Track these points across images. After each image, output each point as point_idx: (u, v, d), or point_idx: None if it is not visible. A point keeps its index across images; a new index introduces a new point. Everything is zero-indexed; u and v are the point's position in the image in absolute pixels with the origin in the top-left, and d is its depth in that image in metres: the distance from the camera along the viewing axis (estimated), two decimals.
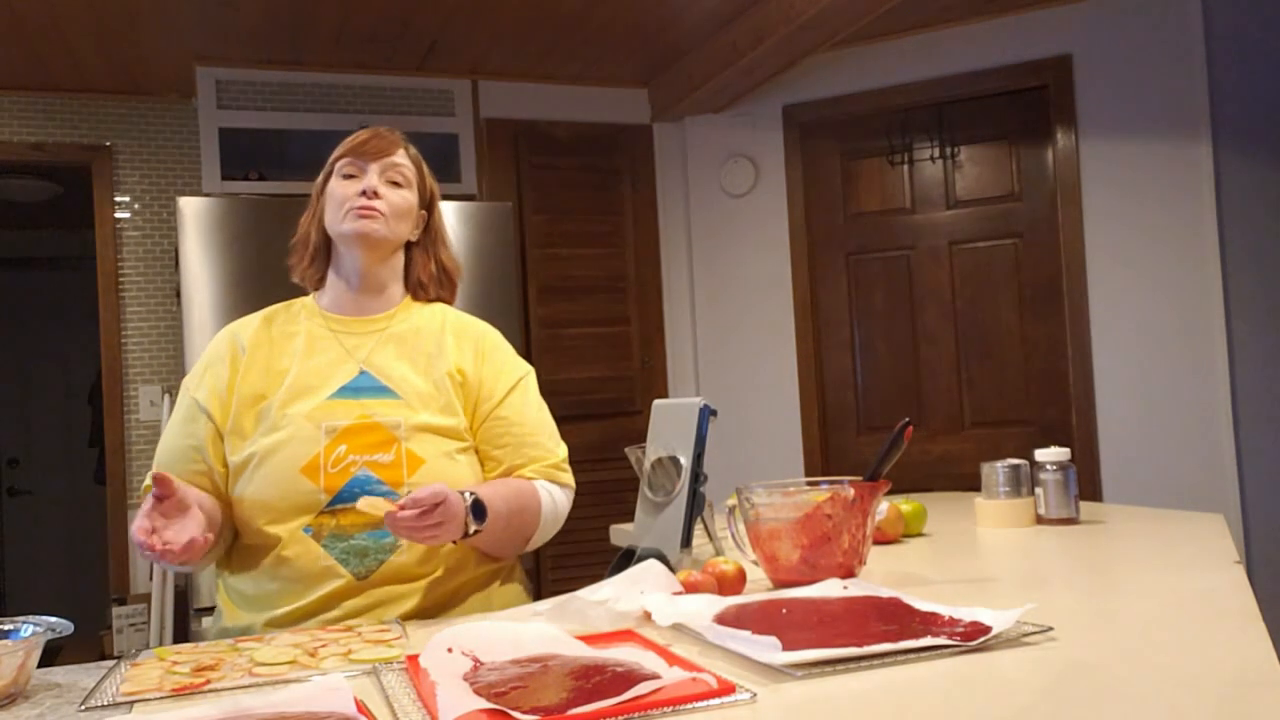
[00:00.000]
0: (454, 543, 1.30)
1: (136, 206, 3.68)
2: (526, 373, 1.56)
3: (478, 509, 1.28)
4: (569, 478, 1.53)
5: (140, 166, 3.69)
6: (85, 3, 2.94)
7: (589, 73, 3.81)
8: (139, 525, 1.17)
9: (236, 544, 1.41)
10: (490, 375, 1.49)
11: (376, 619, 1.32)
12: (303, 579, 1.33)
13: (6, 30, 3.09)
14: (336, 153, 1.49)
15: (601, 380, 3.81)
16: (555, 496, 1.49)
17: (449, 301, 1.60)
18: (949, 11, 3.44)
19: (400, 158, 1.49)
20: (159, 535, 1.17)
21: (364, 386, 1.41)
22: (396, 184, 1.48)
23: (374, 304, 1.50)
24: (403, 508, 1.18)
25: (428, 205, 1.55)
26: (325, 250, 1.52)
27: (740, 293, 3.85)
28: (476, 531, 1.28)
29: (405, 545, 1.34)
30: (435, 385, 1.44)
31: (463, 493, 1.28)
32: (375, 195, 1.44)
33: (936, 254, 3.62)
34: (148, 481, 1.41)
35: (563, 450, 1.54)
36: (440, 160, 3.72)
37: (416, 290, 1.55)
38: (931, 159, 3.63)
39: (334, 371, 1.42)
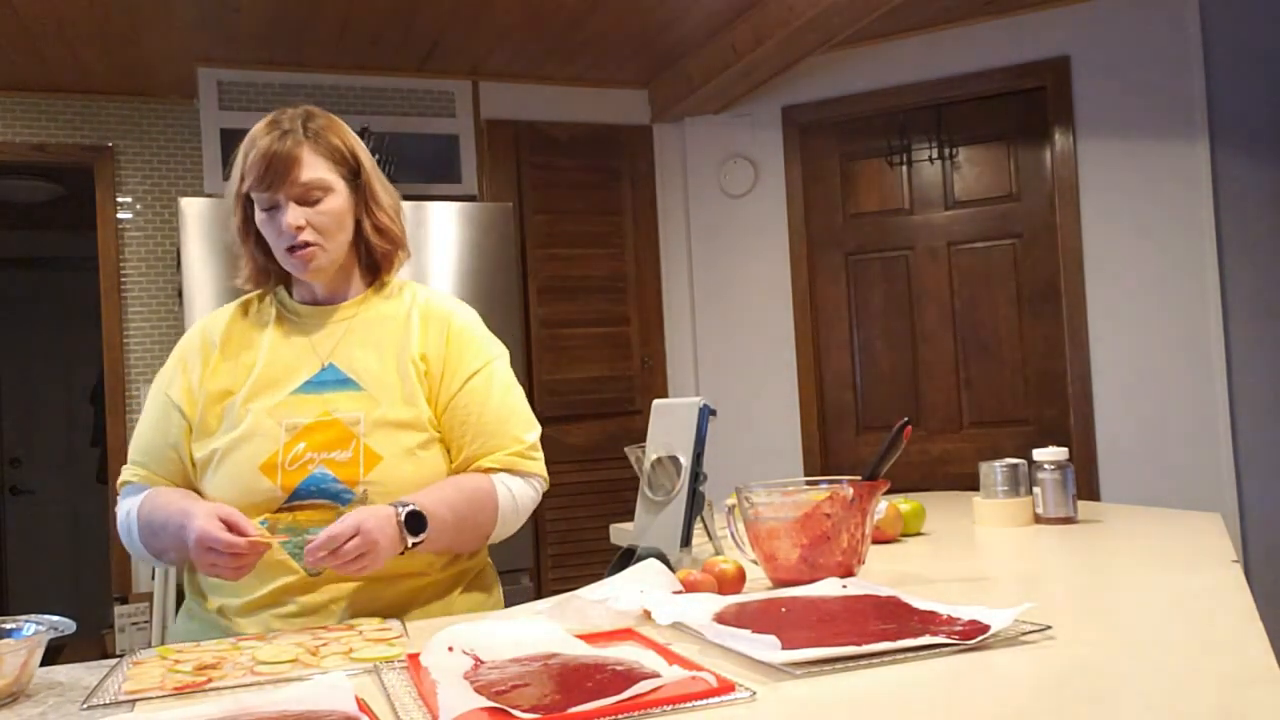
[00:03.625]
0: (401, 552, 1.29)
1: (138, 207, 3.69)
2: (494, 357, 1.50)
3: (414, 521, 1.27)
4: (535, 465, 1.49)
5: (142, 167, 3.69)
6: (88, 4, 2.94)
7: (589, 74, 3.81)
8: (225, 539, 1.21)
9: None
10: (454, 361, 1.45)
11: (331, 617, 1.31)
12: (257, 573, 1.31)
13: (9, 31, 3.09)
14: (246, 182, 1.38)
15: (601, 380, 3.81)
16: (514, 490, 1.45)
17: (399, 257, 1.51)
18: (948, 13, 3.45)
19: (307, 170, 1.37)
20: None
21: (329, 380, 1.40)
22: (317, 199, 1.38)
23: (340, 292, 1.47)
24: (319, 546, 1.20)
25: (355, 171, 1.44)
26: (275, 262, 1.44)
27: (740, 293, 3.86)
28: (415, 545, 1.27)
29: None
30: (400, 374, 1.41)
31: (396, 506, 1.27)
32: (300, 230, 1.36)
33: (935, 254, 3.63)
34: (125, 476, 1.43)
35: (531, 435, 1.49)
36: (441, 161, 3.73)
37: (372, 270, 1.50)
38: (930, 160, 3.63)
39: (299, 366, 1.41)
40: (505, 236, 3.36)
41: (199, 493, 1.39)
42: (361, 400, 1.38)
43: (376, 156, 3.72)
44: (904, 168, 3.67)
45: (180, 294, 3.09)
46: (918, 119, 3.64)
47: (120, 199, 3.67)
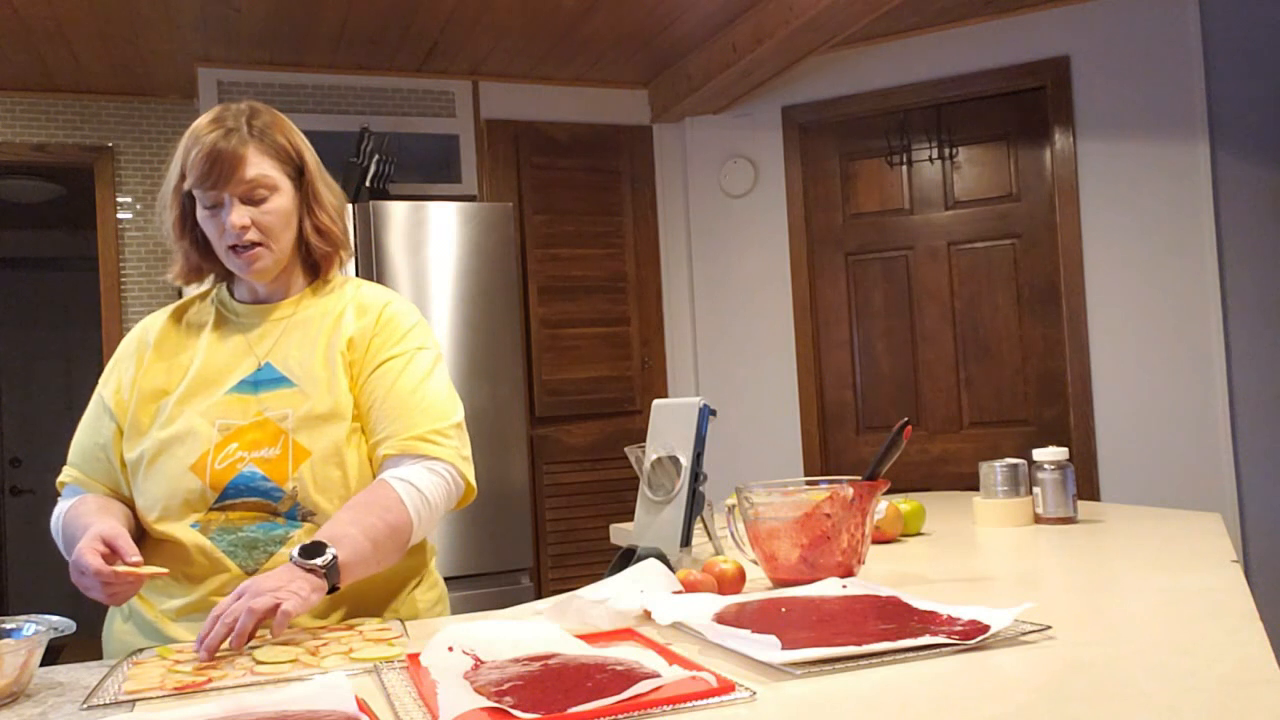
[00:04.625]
0: (335, 588, 1.21)
1: (138, 207, 3.69)
2: (419, 348, 1.43)
3: (310, 551, 1.18)
4: (439, 449, 1.36)
5: (142, 167, 3.69)
6: (87, 4, 2.94)
7: (589, 74, 3.81)
8: (98, 566, 1.15)
9: (143, 539, 1.37)
10: (376, 346, 1.40)
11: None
12: (192, 573, 1.30)
13: (9, 31, 3.09)
14: (189, 179, 1.34)
15: (601, 380, 3.81)
16: (417, 481, 1.33)
17: (341, 258, 1.48)
18: (948, 13, 3.45)
19: (253, 168, 1.34)
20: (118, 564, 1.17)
21: (264, 379, 1.37)
22: (262, 198, 1.35)
23: (282, 291, 1.45)
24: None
25: (300, 169, 1.41)
26: (215, 259, 1.42)
27: (740, 293, 3.86)
28: (331, 564, 1.18)
29: (296, 535, 1.30)
30: (329, 367, 1.39)
31: (291, 555, 1.18)
32: (245, 230, 1.34)
33: (935, 254, 3.63)
34: (61, 477, 1.41)
35: (443, 422, 1.38)
36: (441, 161, 3.73)
37: (313, 270, 1.47)
38: (930, 160, 3.63)
39: (235, 365, 1.38)
40: (505, 236, 3.36)
41: (130, 494, 1.37)
42: (292, 397, 1.36)
43: (376, 156, 3.72)
44: (904, 168, 3.67)
45: (180, 294, 3.08)
46: (918, 119, 3.64)
47: (120, 199, 3.67)
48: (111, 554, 1.18)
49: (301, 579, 1.16)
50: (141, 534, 1.36)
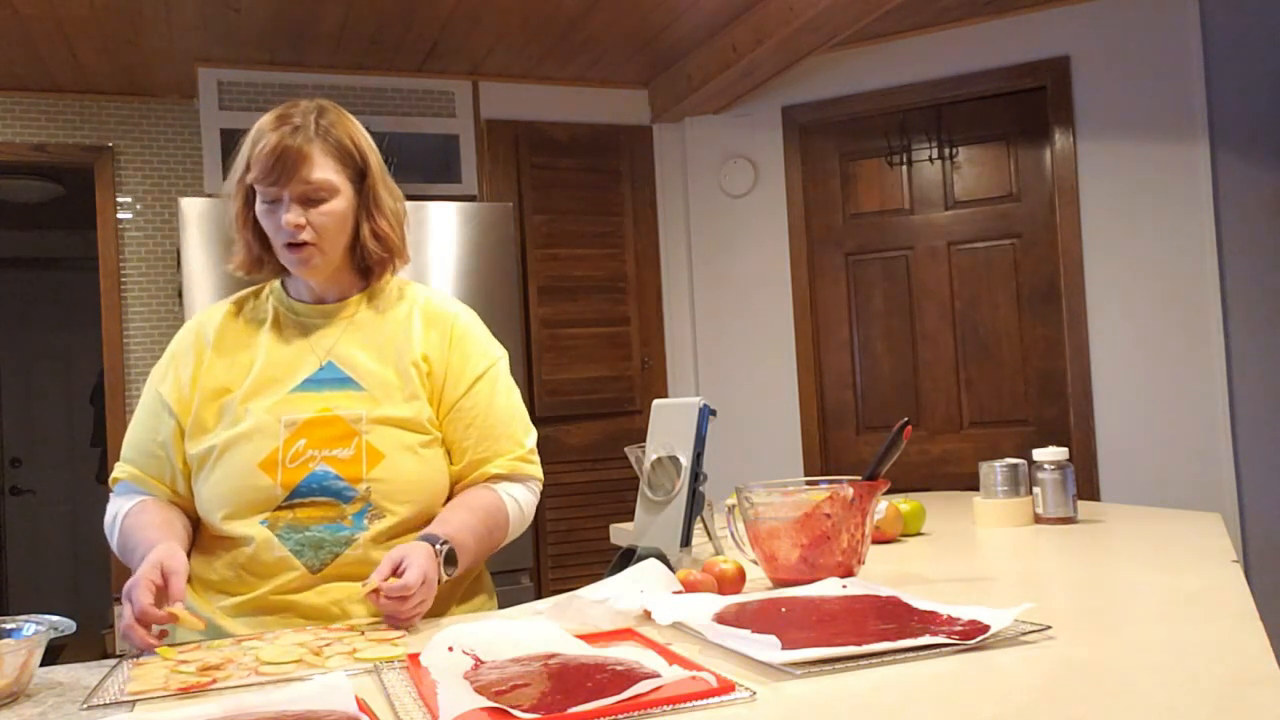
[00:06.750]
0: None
1: (138, 207, 3.69)
2: (497, 359, 1.50)
3: (449, 557, 1.27)
4: (534, 468, 1.50)
5: (142, 167, 3.69)
6: (87, 4, 2.94)
7: (589, 74, 3.81)
8: (143, 613, 1.14)
9: (200, 535, 1.39)
10: (458, 363, 1.44)
11: (332, 619, 1.29)
12: (257, 570, 1.31)
13: (9, 31, 3.09)
14: (252, 173, 1.36)
15: (601, 380, 3.81)
16: (520, 499, 1.47)
17: (395, 265, 1.48)
18: (948, 13, 3.45)
19: (317, 170, 1.35)
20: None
21: (328, 379, 1.39)
22: (321, 199, 1.36)
23: (338, 291, 1.46)
24: (385, 592, 1.18)
25: (362, 173, 1.42)
26: (271, 252, 1.43)
27: (740, 293, 3.86)
28: (448, 578, 1.27)
29: (362, 539, 1.32)
30: (401, 375, 1.40)
31: (432, 542, 1.25)
32: (300, 229, 1.35)
33: (935, 254, 3.63)
34: (115, 473, 1.42)
35: (531, 439, 1.50)
36: (441, 161, 3.73)
37: (366, 273, 1.47)
38: (930, 160, 3.63)
39: (299, 364, 1.40)
40: (505, 236, 3.36)
41: (186, 493, 1.38)
42: (361, 399, 1.37)
43: None
44: (904, 168, 3.67)
45: (180, 294, 3.08)
46: (918, 119, 3.64)
47: (120, 199, 3.67)
48: (163, 588, 1.17)
49: (433, 587, 1.23)
50: (195, 535, 1.38)
